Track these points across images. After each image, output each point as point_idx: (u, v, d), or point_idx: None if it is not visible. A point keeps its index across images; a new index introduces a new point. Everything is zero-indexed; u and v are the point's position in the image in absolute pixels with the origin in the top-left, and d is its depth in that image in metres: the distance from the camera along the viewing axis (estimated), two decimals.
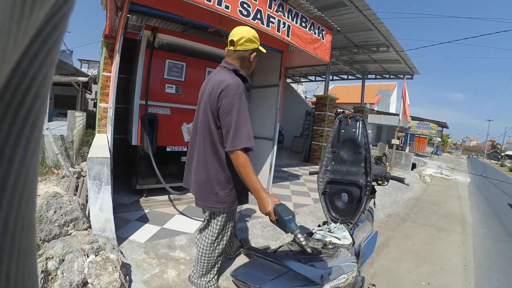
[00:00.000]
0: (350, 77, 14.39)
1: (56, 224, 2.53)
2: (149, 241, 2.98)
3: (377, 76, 13.65)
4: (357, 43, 9.53)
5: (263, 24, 3.86)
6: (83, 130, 9.45)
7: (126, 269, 2.39)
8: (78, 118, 8.11)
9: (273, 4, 3.95)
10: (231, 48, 1.99)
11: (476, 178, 14.10)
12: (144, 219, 3.47)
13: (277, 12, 4.03)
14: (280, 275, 1.35)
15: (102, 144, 3.60)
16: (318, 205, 4.82)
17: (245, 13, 3.62)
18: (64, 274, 2.04)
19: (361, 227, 2.34)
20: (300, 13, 4.40)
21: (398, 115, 11.96)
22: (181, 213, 3.83)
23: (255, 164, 1.75)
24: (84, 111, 13.71)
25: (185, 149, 4.38)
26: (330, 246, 1.80)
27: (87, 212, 2.90)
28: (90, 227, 2.74)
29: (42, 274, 1.98)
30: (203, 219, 2.20)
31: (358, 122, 2.33)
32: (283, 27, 4.15)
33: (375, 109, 25.90)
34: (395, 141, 10.70)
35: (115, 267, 2.17)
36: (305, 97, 23.76)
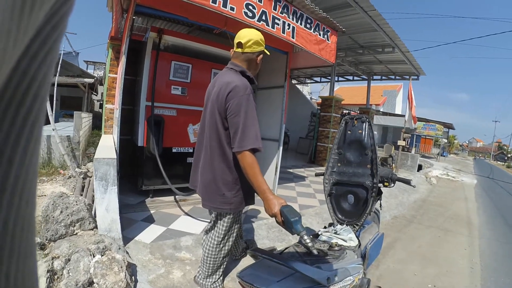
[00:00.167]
0: (355, 78, 14.34)
1: (62, 224, 2.55)
2: (155, 241, 2.99)
3: (383, 77, 13.59)
4: (362, 44, 9.50)
5: (268, 26, 3.86)
6: (89, 131, 9.53)
7: (131, 269, 2.40)
8: (85, 119, 8.17)
9: (278, 5, 3.95)
10: (239, 50, 1.99)
11: (483, 180, 13.96)
12: (150, 220, 3.49)
13: (282, 14, 4.03)
14: (286, 276, 1.35)
15: (108, 145, 3.63)
16: (323, 207, 4.81)
17: (250, 14, 3.63)
18: (70, 274, 2.05)
19: (367, 229, 2.33)
20: (305, 15, 4.39)
21: (403, 116, 11.89)
22: (186, 214, 3.84)
23: (260, 165, 1.75)
24: (90, 112, 13.82)
25: (191, 150, 4.40)
26: (336, 247, 1.79)
27: (93, 212, 2.92)
28: (96, 227, 2.76)
29: (48, 274, 1.99)
30: (209, 220, 2.20)
31: (364, 124, 2.32)
32: (288, 29, 4.16)
33: (381, 110, 25.80)
34: (401, 143, 10.64)
35: (121, 267, 2.18)
36: (311, 98, 23.72)
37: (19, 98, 0.21)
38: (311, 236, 1.52)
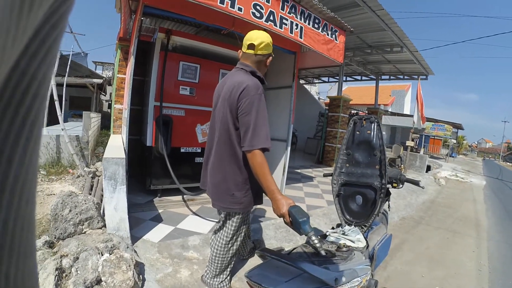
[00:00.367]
0: (363, 78, 14.22)
1: (71, 222, 2.58)
2: (163, 240, 3.01)
3: (391, 77, 13.45)
4: (370, 43, 9.44)
5: (276, 26, 3.86)
6: (98, 131, 9.60)
7: (139, 268, 2.42)
8: (93, 119, 8.24)
9: (285, 5, 3.94)
10: (250, 51, 2.00)
11: (492, 181, 13.75)
12: (158, 219, 3.51)
13: (290, 14, 4.02)
14: (294, 277, 1.35)
15: (117, 145, 3.66)
16: (331, 207, 4.80)
17: (258, 15, 3.63)
18: (78, 272, 2.08)
19: (375, 230, 2.31)
20: (313, 14, 4.38)
21: (412, 116, 11.78)
22: (194, 213, 3.86)
23: (268, 165, 1.75)
24: (99, 112, 13.93)
25: (199, 150, 4.42)
26: (344, 248, 1.79)
27: (101, 211, 2.95)
28: (104, 226, 2.79)
29: (57, 272, 2.01)
30: (216, 220, 2.21)
31: (373, 124, 2.31)
32: (296, 29, 4.15)
33: (389, 110, 25.62)
34: (409, 143, 10.54)
35: (129, 266, 2.20)
36: (319, 98, 23.63)
37: (18, 98, 0.21)
38: (319, 237, 1.52)
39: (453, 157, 26.52)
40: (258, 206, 2.76)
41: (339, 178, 2.40)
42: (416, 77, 12.04)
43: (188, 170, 4.36)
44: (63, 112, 5.58)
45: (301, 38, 4.25)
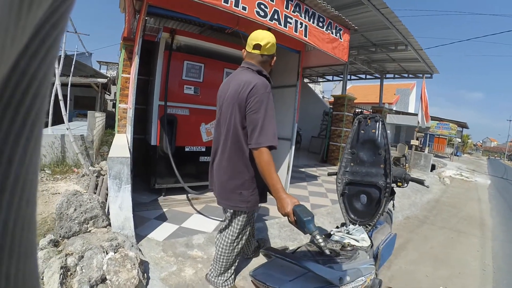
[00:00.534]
0: (368, 76, 14.18)
1: (76, 221, 2.60)
2: (167, 239, 3.02)
3: (396, 76, 13.41)
4: (375, 42, 9.40)
5: (281, 25, 3.85)
6: (103, 130, 9.67)
7: (144, 266, 2.43)
8: (98, 118, 8.30)
9: (290, 4, 3.94)
10: (256, 52, 2.00)
11: (497, 180, 13.63)
12: (162, 218, 3.53)
13: (294, 13, 4.02)
14: (299, 276, 1.35)
15: (122, 144, 3.68)
16: (335, 206, 4.78)
17: (262, 14, 3.63)
18: (83, 270, 2.09)
19: (379, 229, 2.31)
20: (317, 13, 4.37)
21: (417, 115, 11.73)
22: (199, 212, 3.87)
23: None
24: (104, 111, 14.02)
25: (203, 149, 4.43)
26: (349, 248, 1.79)
27: (106, 210, 2.96)
28: (109, 224, 2.80)
29: (62, 270, 2.03)
30: (221, 219, 2.22)
31: (377, 123, 2.30)
32: (301, 27, 4.14)
33: (394, 109, 25.50)
34: (414, 142, 10.49)
35: (134, 264, 2.20)
36: (323, 97, 23.60)
37: (18, 98, 0.21)
38: (323, 236, 1.52)
39: (458, 156, 26.36)
40: (262, 205, 2.76)
41: (344, 177, 2.40)
42: (420, 75, 11.98)
43: (193, 169, 4.37)
44: (68, 111, 5.63)
45: (306, 37, 4.24)
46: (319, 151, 11.28)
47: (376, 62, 11.87)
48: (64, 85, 6.84)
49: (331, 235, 2.04)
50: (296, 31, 4.07)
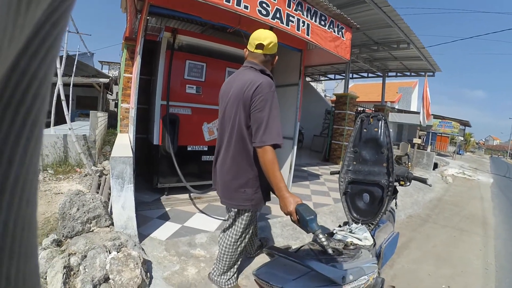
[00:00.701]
0: (370, 75, 14.12)
1: (79, 221, 2.60)
2: (170, 238, 3.03)
3: (398, 74, 13.36)
4: (377, 40, 9.37)
5: (283, 23, 3.84)
6: (105, 130, 9.68)
7: (147, 265, 2.43)
8: (100, 118, 8.30)
9: (292, 3, 3.92)
10: (259, 51, 2.00)
11: (499, 179, 13.58)
12: (165, 217, 3.53)
13: (296, 11, 4.01)
14: (302, 275, 1.35)
15: (124, 144, 3.68)
16: (338, 205, 4.78)
17: (264, 12, 3.62)
18: (86, 270, 2.09)
19: (382, 228, 2.30)
20: (319, 12, 4.36)
21: (419, 113, 11.69)
22: (201, 211, 3.87)
23: None
24: (106, 111, 14.04)
25: (205, 149, 4.43)
26: (351, 246, 1.79)
27: (109, 209, 2.97)
28: (112, 224, 2.81)
29: (65, 270, 2.03)
30: (223, 218, 2.23)
31: (380, 122, 2.30)
32: (303, 26, 4.13)
33: (396, 107, 25.41)
34: (416, 140, 10.46)
35: (137, 264, 2.21)
36: (325, 95, 23.54)
37: (18, 97, 0.21)
38: (326, 235, 1.52)
39: (460, 154, 26.27)
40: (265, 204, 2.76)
41: (346, 176, 2.40)
42: (423, 73, 11.93)
43: (195, 168, 4.37)
44: (70, 111, 5.64)
45: (308, 36, 4.23)
46: (321, 150, 11.27)
47: (378, 61, 11.83)
48: (66, 85, 6.86)
49: (334, 234, 2.04)
50: (298, 29, 4.06)
